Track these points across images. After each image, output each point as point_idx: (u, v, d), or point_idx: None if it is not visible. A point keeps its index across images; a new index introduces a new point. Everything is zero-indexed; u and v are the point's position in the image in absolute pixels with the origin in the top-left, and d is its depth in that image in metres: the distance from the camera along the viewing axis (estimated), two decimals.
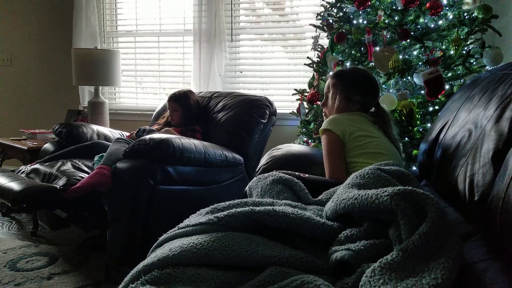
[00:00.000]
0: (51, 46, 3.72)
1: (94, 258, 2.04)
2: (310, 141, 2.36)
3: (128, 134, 2.52)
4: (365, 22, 2.09)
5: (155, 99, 3.61)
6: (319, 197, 1.17)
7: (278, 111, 2.57)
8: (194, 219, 0.93)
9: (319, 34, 2.48)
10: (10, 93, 3.88)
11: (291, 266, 0.76)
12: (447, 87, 1.83)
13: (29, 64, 3.80)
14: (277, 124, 2.66)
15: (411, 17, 1.94)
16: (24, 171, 2.08)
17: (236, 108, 2.44)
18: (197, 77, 3.22)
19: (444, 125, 1.34)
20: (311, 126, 2.35)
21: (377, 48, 1.95)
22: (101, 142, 2.39)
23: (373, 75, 1.67)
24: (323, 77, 2.30)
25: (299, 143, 2.44)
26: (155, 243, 0.91)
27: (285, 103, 3.11)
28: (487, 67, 1.81)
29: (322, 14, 2.37)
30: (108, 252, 1.85)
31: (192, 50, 3.25)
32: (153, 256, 0.79)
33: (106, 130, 2.66)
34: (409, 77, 1.93)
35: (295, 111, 2.56)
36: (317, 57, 2.44)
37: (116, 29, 3.66)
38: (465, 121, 1.14)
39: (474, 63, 1.89)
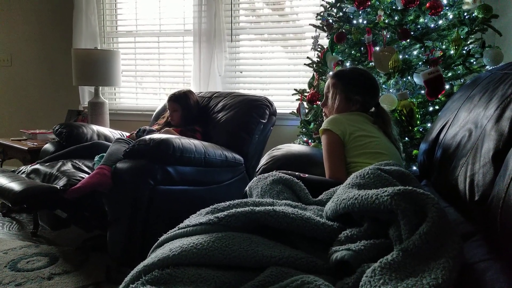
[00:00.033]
0: (51, 46, 3.72)
1: (94, 258, 2.05)
2: (310, 141, 2.35)
3: (128, 134, 2.53)
4: (365, 22, 2.09)
5: (155, 99, 3.61)
6: (319, 197, 1.17)
7: (278, 111, 2.57)
8: (194, 219, 0.93)
9: (319, 34, 2.48)
10: (10, 94, 3.88)
11: (291, 266, 0.76)
12: (447, 87, 1.83)
13: (29, 64, 3.81)
14: (277, 124, 2.66)
15: (411, 17, 1.94)
16: (24, 172, 2.08)
17: (236, 108, 2.44)
18: (197, 77, 3.22)
19: (444, 125, 1.34)
20: (311, 126, 2.35)
21: (377, 48, 1.95)
22: (101, 143, 2.39)
23: (373, 75, 1.67)
24: (323, 77, 2.30)
25: (299, 143, 2.44)
26: (156, 243, 0.91)
27: (285, 103, 3.11)
28: (487, 67, 1.81)
29: (322, 14, 2.37)
30: (109, 252, 1.85)
31: (192, 50, 3.25)
32: (154, 256, 0.79)
33: (106, 131, 2.67)
34: (409, 77, 1.92)
35: (295, 111, 2.56)
36: (317, 57, 2.44)
37: (116, 29, 3.66)
38: (465, 121, 1.14)
39: (474, 63, 1.89)
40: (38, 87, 3.81)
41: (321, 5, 2.44)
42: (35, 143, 2.80)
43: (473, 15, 1.86)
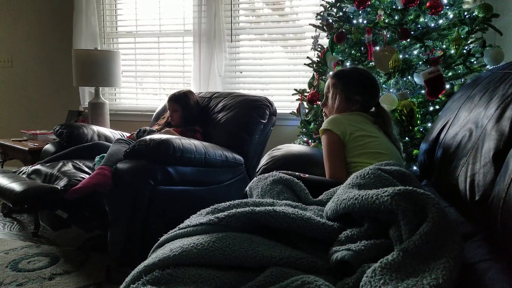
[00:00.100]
0: (51, 46, 3.73)
1: (95, 259, 2.05)
2: (310, 141, 2.35)
3: (128, 134, 2.53)
4: (365, 21, 2.09)
5: (155, 100, 3.61)
6: (320, 197, 1.17)
7: (278, 111, 2.57)
8: (195, 219, 0.93)
9: (319, 34, 2.48)
10: (11, 94, 3.88)
11: (292, 266, 0.76)
12: (447, 86, 1.83)
13: (30, 65, 3.81)
14: (277, 124, 2.66)
15: (411, 17, 1.94)
16: (25, 172, 2.08)
17: (236, 109, 2.44)
18: (197, 77, 3.22)
19: (445, 124, 1.34)
20: (311, 126, 2.35)
21: (377, 48, 1.95)
22: (101, 143, 2.39)
23: (373, 75, 1.67)
24: (323, 77, 2.30)
25: (299, 143, 2.44)
26: (156, 244, 0.91)
27: (285, 103, 3.11)
28: (487, 67, 1.81)
29: (321, 14, 2.37)
30: (109, 253, 1.86)
31: (192, 50, 3.25)
32: (154, 256, 0.79)
33: (106, 131, 2.67)
34: (409, 77, 1.92)
35: (295, 111, 2.56)
36: (317, 57, 2.44)
37: (116, 30, 3.66)
38: (466, 121, 1.14)
39: (475, 62, 1.89)
40: (38, 87, 3.81)
41: (321, 5, 2.44)
42: (35, 144, 2.80)
43: (474, 14, 1.86)
